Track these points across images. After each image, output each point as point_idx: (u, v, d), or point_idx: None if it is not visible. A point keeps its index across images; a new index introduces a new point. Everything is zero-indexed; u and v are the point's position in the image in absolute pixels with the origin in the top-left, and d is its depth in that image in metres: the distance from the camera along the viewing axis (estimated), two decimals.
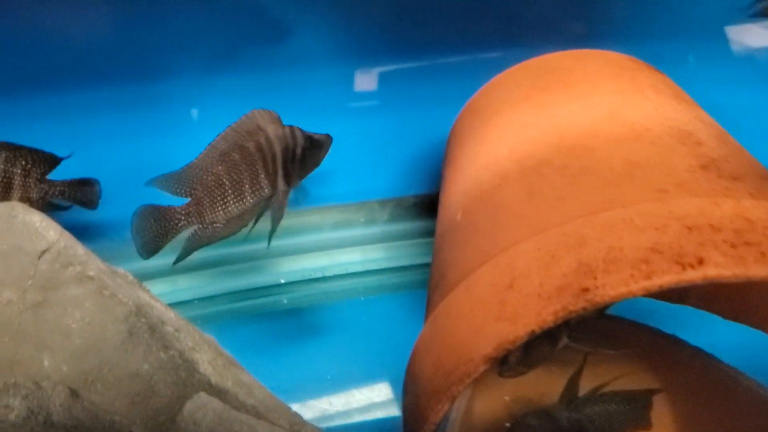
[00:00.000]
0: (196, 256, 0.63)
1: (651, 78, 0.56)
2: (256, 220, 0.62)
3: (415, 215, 0.79)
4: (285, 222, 0.77)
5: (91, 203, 0.69)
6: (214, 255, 0.73)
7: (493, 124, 0.56)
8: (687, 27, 0.86)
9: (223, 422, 0.48)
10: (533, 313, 0.38)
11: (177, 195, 0.59)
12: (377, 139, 0.83)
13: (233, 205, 0.60)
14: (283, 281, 0.74)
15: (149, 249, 0.59)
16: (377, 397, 0.67)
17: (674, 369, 0.60)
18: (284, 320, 0.72)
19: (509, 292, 0.40)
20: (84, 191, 0.69)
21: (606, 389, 0.55)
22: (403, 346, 0.65)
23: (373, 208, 0.80)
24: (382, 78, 0.85)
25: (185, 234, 0.60)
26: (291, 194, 0.64)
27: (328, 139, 0.65)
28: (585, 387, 0.57)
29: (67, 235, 0.51)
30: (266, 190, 0.61)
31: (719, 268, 0.36)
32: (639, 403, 0.55)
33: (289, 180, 0.63)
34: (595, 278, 0.38)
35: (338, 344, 0.71)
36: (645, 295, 0.38)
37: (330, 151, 0.80)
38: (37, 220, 0.51)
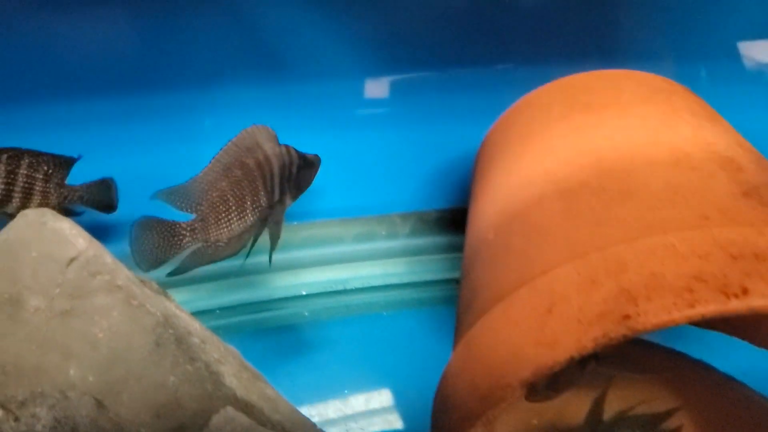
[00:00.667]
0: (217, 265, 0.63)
1: (687, 100, 0.55)
2: (254, 240, 0.61)
3: (437, 230, 0.79)
4: (306, 233, 0.78)
5: (109, 207, 0.69)
6: (236, 264, 0.72)
7: (527, 143, 0.56)
8: (700, 45, 0.86)
9: None
10: (573, 339, 0.38)
11: (182, 210, 0.59)
12: (399, 152, 0.82)
13: (236, 223, 0.60)
14: (304, 293, 0.74)
15: (149, 262, 0.58)
16: (397, 414, 0.67)
17: (702, 395, 0.59)
18: (305, 332, 0.72)
19: (548, 317, 0.40)
20: (102, 194, 0.69)
21: (631, 413, 0.54)
22: (424, 361, 0.64)
23: (394, 221, 0.79)
24: (406, 89, 0.85)
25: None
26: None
27: (318, 159, 0.65)
28: (610, 410, 0.56)
29: (96, 243, 0.51)
30: (265, 208, 0.61)
31: (765, 298, 0.36)
32: (664, 428, 0.55)
33: (284, 198, 0.63)
34: (637, 305, 0.37)
35: (358, 358, 0.70)
36: (684, 324, 0.37)
37: (354, 163, 0.80)
38: (67, 227, 0.51)
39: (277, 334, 0.72)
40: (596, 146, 0.50)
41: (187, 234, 0.59)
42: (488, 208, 0.55)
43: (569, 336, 0.38)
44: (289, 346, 0.71)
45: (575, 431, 0.53)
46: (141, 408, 0.47)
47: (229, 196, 0.59)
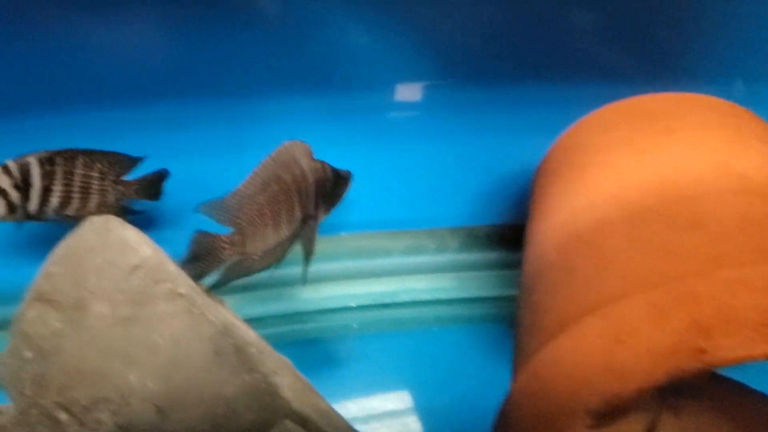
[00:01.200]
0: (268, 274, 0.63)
1: (754, 127, 0.55)
2: (285, 254, 0.62)
3: (487, 245, 0.78)
4: (355, 244, 0.78)
5: (156, 195, 0.71)
6: (285, 274, 0.73)
7: (589, 165, 0.55)
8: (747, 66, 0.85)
9: None
10: (644, 370, 0.37)
11: (221, 223, 0.60)
12: (450, 166, 0.82)
13: (272, 237, 0.61)
14: (354, 305, 0.74)
15: (195, 275, 0.59)
16: (442, 427, 0.67)
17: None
18: (354, 344, 0.72)
19: (618, 346, 0.39)
20: (157, 185, 0.70)
21: None
22: (473, 379, 0.64)
23: (444, 235, 0.79)
24: (460, 103, 0.85)
25: None
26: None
27: (350, 174, 0.66)
28: None
29: (160, 251, 0.52)
30: (299, 223, 0.62)
31: None
32: None
33: (318, 213, 0.64)
34: (712, 338, 0.37)
35: (406, 372, 0.70)
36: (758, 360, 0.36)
37: (405, 176, 0.80)
38: (131, 234, 0.51)
39: (326, 345, 0.72)
40: (662, 171, 0.50)
41: (227, 246, 0.60)
42: (549, 228, 0.54)
43: (640, 366, 0.38)
44: (337, 357, 0.71)
45: None
46: (200, 417, 0.48)
47: (266, 210, 0.60)
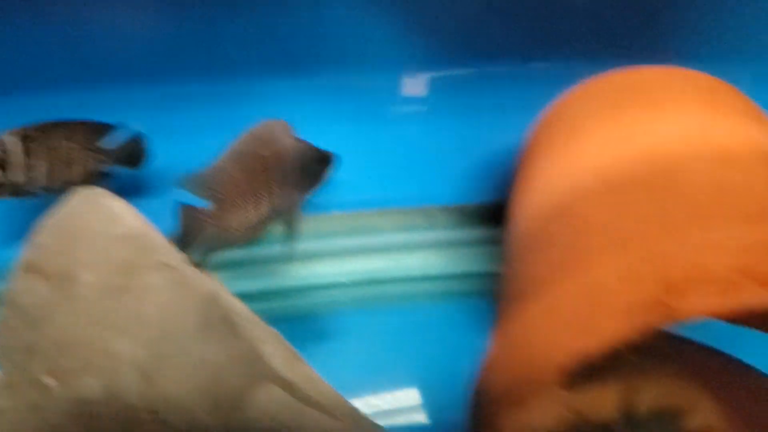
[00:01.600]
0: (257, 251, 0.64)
1: (734, 98, 0.55)
2: (265, 230, 0.63)
3: (477, 223, 0.79)
4: (348, 222, 0.79)
5: (137, 162, 0.72)
6: (276, 251, 0.74)
7: (574, 137, 0.56)
8: (747, 45, 0.85)
9: (292, 415, 0.48)
10: (613, 327, 0.38)
11: (200, 196, 0.60)
12: (440, 146, 0.83)
13: (251, 211, 0.62)
14: (346, 281, 0.75)
15: (180, 247, 0.60)
16: (432, 401, 0.68)
17: (738, 393, 0.59)
18: (346, 319, 0.73)
19: (589, 306, 0.40)
20: (137, 150, 0.71)
21: (664, 406, 0.54)
22: (461, 352, 0.65)
23: (434, 213, 0.80)
24: (446, 85, 0.86)
25: None
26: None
27: (333, 155, 0.66)
28: (641, 403, 0.56)
29: (147, 223, 0.53)
30: (281, 200, 0.62)
31: None
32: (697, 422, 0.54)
33: (301, 192, 0.64)
34: (679, 295, 0.37)
35: (398, 346, 0.71)
36: (725, 317, 0.37)
37: (395, 156, 0.81)
38: (118, 205, 0.53)
39: (317, 321, 0.73)
40: (644, 142, 0.50)
41: (207, 219, 0.60)
42: (533, 200, 0.55)
43: (610, 324, 0.38)
44: (328, 332, 0.72)
45: (609, 423, 0.53)
46: (187, 383, 0.49)
47: (243, 184, 0.61)
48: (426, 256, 0.77)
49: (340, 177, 0.71)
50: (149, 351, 0.49)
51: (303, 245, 0.74)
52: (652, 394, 0.54)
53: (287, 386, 0.50)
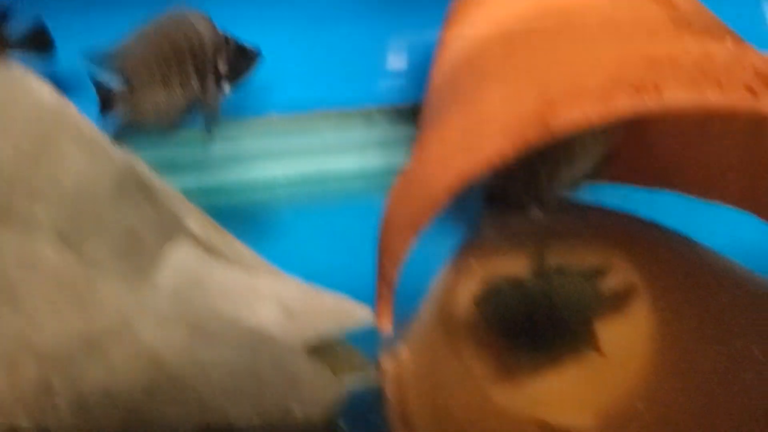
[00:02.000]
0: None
1: None
2: (180, 119, 0.63)
3: (414, 122, 0.80)
4: (286, 123, 0.79)
5: (46, 45, 0.70)
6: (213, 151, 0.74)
7: (482, 7, 0.57)
8: None
9: (210, 269, 0.50)
10: (493, 144, 0.40)
11: (111, 74, 0.60)
12: (378, 45, 0.83)
13: (162, 96, 0.61)
14: (284, 181, 0.76)
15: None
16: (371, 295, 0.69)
17: (654, 254, 0.60)
18: (283, 217, 0.74)
19: (473, 132, 0.42)
20: (41, 32, 0.69)
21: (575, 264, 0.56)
22: None
23: (371, 114, 0.80)
24: None
25: None
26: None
27: (257, 51, 0.65)
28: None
29: (60, 96, 0.53)
30: (196, 88, 0.62)
31: (675, 94, 0.37)
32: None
33: (220, 85, 0.64)
34: (556, 109, 0.39)
35: (337, 242, 0.72)
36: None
37: (332, 56, 0.81)
38: (34, 80, 0.53)
39: (255, 218, 0.74)
40: None
41: (116, 96, 0.60)
42: (442, 65, 0.56)
43: (490, 142, 0.40)
44: (266, 230, 0.73)
45: (521, 281, 0.54)
46: (105, 246, 0.50)
47: (153, 65, 0.60)
48: (364, 156, 0.78)
49: (276, 78, 0.71)
50: (65, 217, 0.50)
51: (241, 146, 0.75)
52: (565, 253, 0.56)
53: (206, 246, 0.51)
